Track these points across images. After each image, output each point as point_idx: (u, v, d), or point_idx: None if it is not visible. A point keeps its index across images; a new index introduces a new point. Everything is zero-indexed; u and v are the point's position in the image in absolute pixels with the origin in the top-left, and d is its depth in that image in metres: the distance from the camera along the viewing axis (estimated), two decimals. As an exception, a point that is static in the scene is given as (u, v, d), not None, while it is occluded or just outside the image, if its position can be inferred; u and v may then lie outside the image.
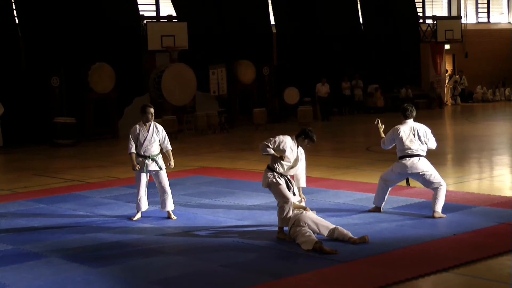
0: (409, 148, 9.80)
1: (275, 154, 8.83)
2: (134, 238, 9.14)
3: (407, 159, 9.78)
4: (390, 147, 10.16)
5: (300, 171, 9.07)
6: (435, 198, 9.71)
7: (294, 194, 8.95)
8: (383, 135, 10.32)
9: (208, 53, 25.75)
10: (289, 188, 8.88)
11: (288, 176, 8.97)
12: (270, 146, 8.85)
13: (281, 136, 8.97)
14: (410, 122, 10.01)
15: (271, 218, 9.82)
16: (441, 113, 30.07)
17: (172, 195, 10.52)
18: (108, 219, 10.36)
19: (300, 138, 8.95)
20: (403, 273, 7.11)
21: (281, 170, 8.86)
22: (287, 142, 8.87)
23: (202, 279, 7.25)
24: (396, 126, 9.96)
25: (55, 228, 9.84)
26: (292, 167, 8.93)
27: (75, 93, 22.77)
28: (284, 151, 8.82)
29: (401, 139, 9.83)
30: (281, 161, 8.83)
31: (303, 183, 9.15)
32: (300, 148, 9.01)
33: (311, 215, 8.69)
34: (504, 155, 16.21)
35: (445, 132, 23.89)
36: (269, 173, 8.90)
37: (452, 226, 9.01)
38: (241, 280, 7.13)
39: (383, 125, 10.45)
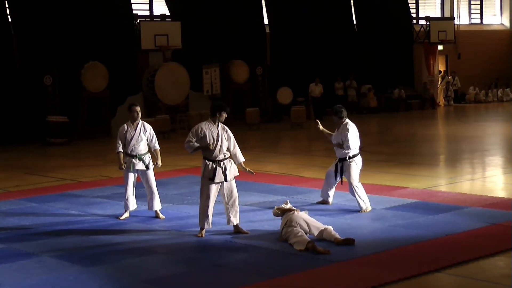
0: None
1: (201, 145, 8.96)
2: (127, 237, 9.14)
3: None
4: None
5: (233, 148, 9.16)
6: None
7: (226, 180, 8.97)
8: (330, 132, 10.66)
9: (201, 53, 25.71)
10: (225, 176, 8.94)
11: (225, 161, 9.01)
12: (192, 140, 9.00)
13: (194, 126, 9.19)
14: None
15: (263, 218, 9.84)
16: (434, 114, 30.13)
17: (165, 194, 10.53)
18: (100, 218, 10.35)
19: (214, 116, 9.07)
20: (396, 273, 7.12)
21: (215, 156, 8.95)
22: (202, 127, 9.04)
23: (195, 279, 7.25)
24: (352, 124, 10.35)
25: (47, 227, 9.82)
26: (221, 146, 8.98)
27: (68, 92, 22.68)
28: (205, 136, 8.94)
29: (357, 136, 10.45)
30: (210, 148, 8.92)
31: (241, 158, 9.26)
32: (221, 126, 9.10)
33: (303, 215, 8.71)
34: (496, 156, 16.26)
35: (438, 132, 23.96)
36: (206, 161, 9.01)
37: (444, 226, 9.03)
38: (233, 280, 7.13)
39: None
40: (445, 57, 35.12)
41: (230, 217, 9.07)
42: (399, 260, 7.66)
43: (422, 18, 33.89)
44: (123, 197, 10.41)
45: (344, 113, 10.39)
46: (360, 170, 10.43)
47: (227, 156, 9.06)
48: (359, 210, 10.16)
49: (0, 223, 10.19)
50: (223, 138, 9.03)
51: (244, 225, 9.25)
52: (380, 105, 30.31)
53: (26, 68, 22.38)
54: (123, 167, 10.19)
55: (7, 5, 22.48)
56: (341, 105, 10.64)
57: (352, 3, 30.88)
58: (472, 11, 36.63)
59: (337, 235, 8.36)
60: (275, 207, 9.17)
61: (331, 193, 10.75)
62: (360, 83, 30.11)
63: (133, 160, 10.16)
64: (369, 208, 10.15)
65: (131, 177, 10.27)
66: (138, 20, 24.63)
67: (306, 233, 8.42)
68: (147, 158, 10.29)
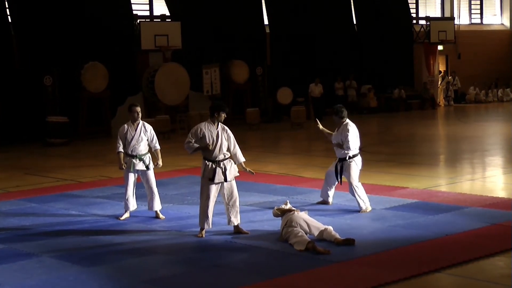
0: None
1: (201, 145, 8.95)
2: (127, 237, 9.13)
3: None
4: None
5: (233, 148, 9.14)
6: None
7: (226, 180, 8.96)
8: (330, 132, 10.65)
9: (201, 53, 25.71)
10: (225, 177, 8.92)
11: (225, 162, 9.00)
12: (191, 141, 8.98)
13: (194, 127, 9.16)
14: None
15: (263, 218, 9.84)
16: (434, 114, 30.13)
17: (165, 194, 10.50)
18: (100, 219, 10.35)
19: (213, 116, 9.05)
20: (396, 273, 7.12)
21: (215, 156, 8.94)
22: (201, 127, 9.03)
23: (195, 279, 7.25)
24: (352, 124, 10.32)
25: (47, 228, 9.82)
26: (221, 147, 8.97)
27: (68, 92, 22.69)
28: (204, 136, 8.93)
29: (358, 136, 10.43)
30: (209, 149, 8.91)
31: (241, 158, 9.24)
32: (221, 126, 9.09)
33: (303, 216, 8.71)
34: (496, 156, 16.25)
35: (438, 132, 23.95)
36: (205, 161, 9.00)
37: (444, 226, 9.03)
38: (233, 280, 7.13)
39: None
40: (445, 57, 35.12)
41: (230, 218, 9.07)
42: (399, 260, 7.66)
43: (422, 18, 33.89)
44: (123, 197, 10.41)
45: (345, 113, 10.38)
46: (360, 170, 10.43)
47: (227, 157, 9.06)
48: (359, 210, 10.16)
49: (0, 223, 10.19)
50: (223, 138, 9.02)
51: (244, 225, 9.25)
52: (380, 105, 30.30)
53: (26, 68, 22.38)
54: (123, 167, 10.20)
55: (7, 6, 22.49)
56: (341, 105, 10.64)
57: (352, 3, 30.89)
58: (472, 11, 36.63)
59: (337, 235, 8.36)
60: (275, 208, 9.17)
61: (331, 193, 10.75)
62: (360, 83, 30.12)
63: (134, 160, 10.17)
64: (369, 208, 10.15)
65: (131, 177, 10.28)
66: (138, 20, 24.64)
67: (306, 233, 8.42)
68: (148, 158, 10.29)
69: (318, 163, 15.74)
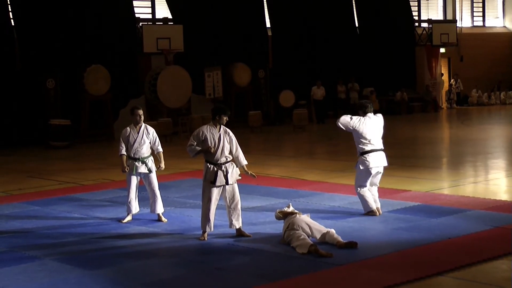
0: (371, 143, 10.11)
1: (203, 148, 8.95)
2: (129, 240, 9.13)
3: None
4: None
5: (236, 151, 9.13)
6: (375, 196, 10.03)
7: (227, 183, 8.93)
8: None
9: (203, 56, 25.72)
10: (227, 180, 8.91)
11: (227, 165, 8.98)
12: (193, 144, 8.99)
13: (196, 130, 9.16)
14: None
15: (266, 221, 9.83)
16: (436, 117, 30.11)
17: (167, 197, 10.46)
18: (102, 222, 10.35)
19: (215, 119, 9.05)
20: (398, 276, 7.11)
21: (217, 159, 8.93)
22: (203, 130, 9.03)
23: (196, 282, 7.24)
24: (370, 119, 10.18)
25: (50, 231, 9.82)
26: (223, 150, 8.96)
27: (70, 95, 22.73)
28: (206, 139, 8.93)
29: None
30: (211, 151, 8.91)
31: (243, 161, 9.20)
32: (223, 129, 9.09)
33: (305, 218, 8.70)
34: (499, 159, 16.23)
35: (440, 135, 23.93)
36: (207, 164, 8.98)
37: (447, 229, 9.02)
38: (235, 283, 7.13)
39: None
40: (448, 60, 35.11)
41: (232, 220, 9.06)
42: (401, 263, 7.65)
43: (424, 21, 33.85)
44: (125, 200, 10.41)
45: (369, 108, 10.20)
46: (369, 169, 9.94)
47: (229, 159, 9.05)
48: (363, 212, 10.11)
49: (2, 226, 10.20)
50: (225, 141, 9.02)
51: (246, 228, 9.24)
52: (382, 108, 30.24)
53: (28, 71, 22.41)
54: (126, 170, 10.21)
55: (9, 9, 22.53)
56: (367, 101, 10.55)
57: (354, 6, 30.89)
58: (475, 13, 36.61)
59: (340, 238, 8.35)
60: (277, 210, 9.16)
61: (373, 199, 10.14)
62: (362, 86, 30.11)
63: (136, 163, 10.18)
64: (368, 210, 9.99)
65: (134, 180, 10.28)
66: (140, 23, 24.66)
67: (308, 236, 8.40)
68: (150, 161, 10.30)
69: (321, 166, 15.74)
